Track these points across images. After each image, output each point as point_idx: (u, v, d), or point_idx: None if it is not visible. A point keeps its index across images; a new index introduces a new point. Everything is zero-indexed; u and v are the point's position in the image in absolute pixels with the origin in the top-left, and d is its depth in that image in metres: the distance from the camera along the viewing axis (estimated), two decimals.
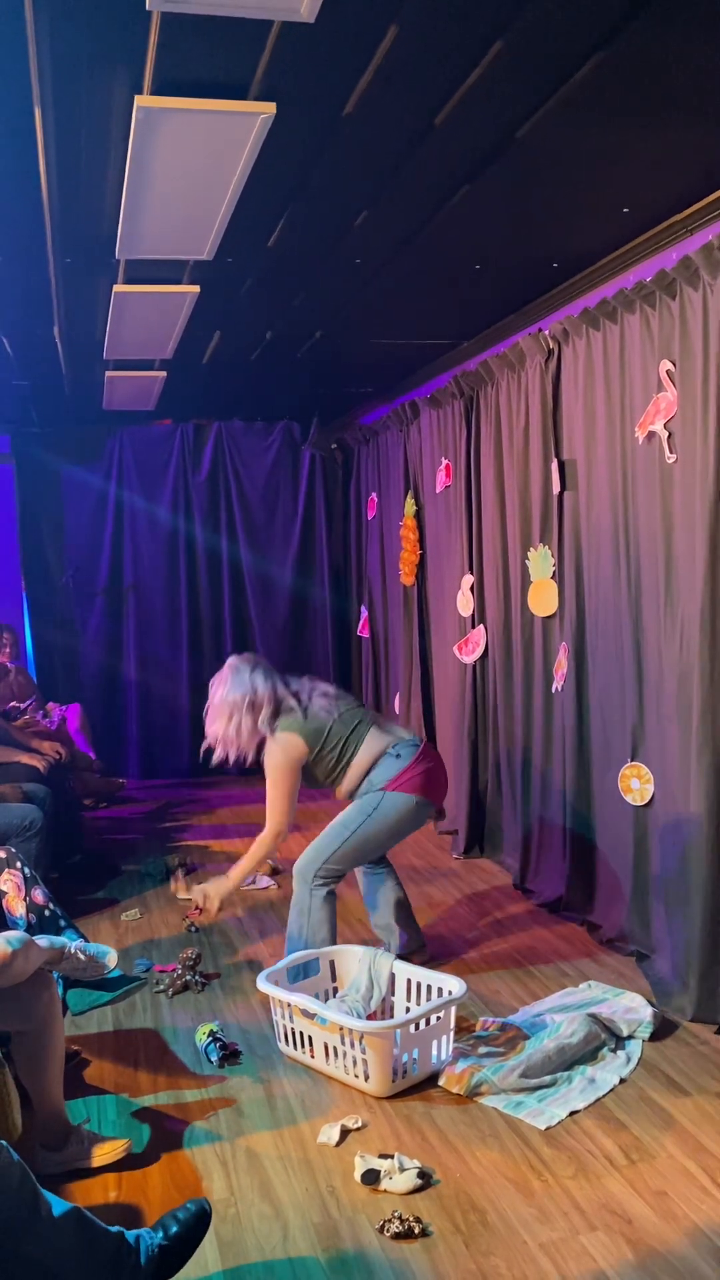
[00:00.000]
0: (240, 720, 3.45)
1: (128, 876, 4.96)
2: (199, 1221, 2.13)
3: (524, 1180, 2.47)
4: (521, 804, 4.62)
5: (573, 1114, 2.74)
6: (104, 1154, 2.56)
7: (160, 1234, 2.09)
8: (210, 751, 3.54)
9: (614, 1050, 3.04)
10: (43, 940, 2.56)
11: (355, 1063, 2.89)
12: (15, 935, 2.43)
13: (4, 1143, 1.97)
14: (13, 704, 5.61)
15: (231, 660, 3.60)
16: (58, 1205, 1.99)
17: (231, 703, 3.47)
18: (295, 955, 3.34)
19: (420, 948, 3.72)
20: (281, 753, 3.44)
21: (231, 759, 3.52)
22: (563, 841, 4.20)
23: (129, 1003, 3.53)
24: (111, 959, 2.85)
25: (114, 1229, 2.05)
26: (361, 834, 3.42)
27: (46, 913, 3.07)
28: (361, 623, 6.99)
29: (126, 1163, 2.58)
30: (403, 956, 3.51)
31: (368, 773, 3.49)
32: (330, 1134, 2.68)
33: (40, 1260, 1.93)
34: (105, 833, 5.76)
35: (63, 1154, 2.56)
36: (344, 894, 4.09)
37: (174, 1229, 2.10)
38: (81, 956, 2.74)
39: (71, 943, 2.76)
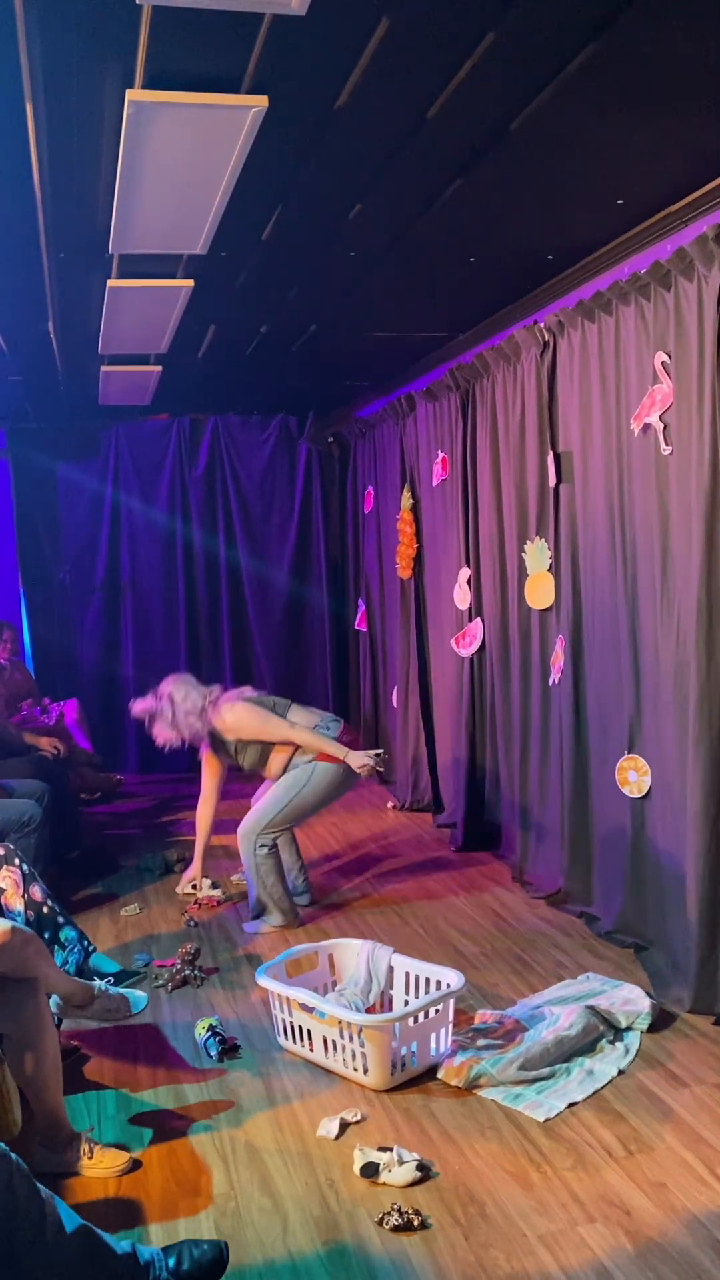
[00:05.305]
0: (183, 717, 4.16)
1: (126, 872, 4.97)
2: (214, 1265, 2.10)
3: (523, 1172, 2.48)
4: (519, 797, 4.62)
5: (571, 1106, 2.75)
6: (102, 1165, 2.54)
7: (173, 1261, 2.06)
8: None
9: (612, 1042, 3.04)
10: (70, 981, 2.71)
11: (354, 1056, 2.90)
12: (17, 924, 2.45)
13: (14, 1156, 1.92)
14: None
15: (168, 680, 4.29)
16: (69, 1221, 1.94)
17: (184, 707, 4.19)
18: (295, 950, 3.35)
19: (305, 890, 4.36)
20: (242, 709, 4.15)
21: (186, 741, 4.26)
22: (560, 834, 4.20)
23: None
24: (141, 1005, 2.88)
25: (124, 1246, 2.03)
26: (297, 802, 4.10)
27: (45, 909, 3.06)
28: (358, 616, 6.98)
29: None
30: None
31: (299, 747, 4.11)
32: (329, 1127, 2.69)
33: (44, 1278, 1.90)
34: (104, 828, 5.76)
35: (61, 1157, 2.56)
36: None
37: (186, 1266, 2.07)
38: (111, 996, 2.81)
39: (101, 986, 2.81)
